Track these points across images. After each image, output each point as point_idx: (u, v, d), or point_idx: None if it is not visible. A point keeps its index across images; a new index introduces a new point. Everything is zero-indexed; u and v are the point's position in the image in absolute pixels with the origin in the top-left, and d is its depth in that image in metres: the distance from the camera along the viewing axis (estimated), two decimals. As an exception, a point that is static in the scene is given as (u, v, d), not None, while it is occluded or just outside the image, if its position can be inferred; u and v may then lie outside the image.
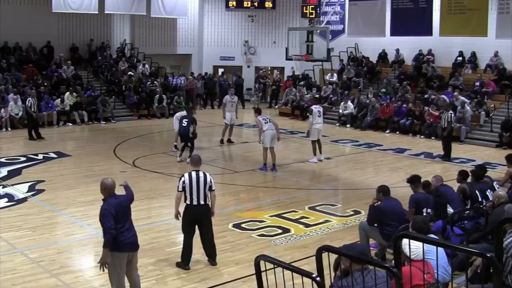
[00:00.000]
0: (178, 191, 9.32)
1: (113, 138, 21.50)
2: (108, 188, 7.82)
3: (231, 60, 34.10)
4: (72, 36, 29.81)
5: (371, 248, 9.88)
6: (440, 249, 6.37)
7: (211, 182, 9.35)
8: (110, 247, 7.50)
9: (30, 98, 21.12)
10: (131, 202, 8.13)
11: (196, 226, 9.46)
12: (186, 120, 17.48)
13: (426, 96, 24.90)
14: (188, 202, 9.29)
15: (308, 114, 18.68)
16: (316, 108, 18.37)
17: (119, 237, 7.59)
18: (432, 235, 7.18)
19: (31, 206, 12.83)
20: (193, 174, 9.31)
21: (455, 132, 21.59)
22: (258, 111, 17.65)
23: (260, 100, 32.40)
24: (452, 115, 18.99)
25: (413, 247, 6.01)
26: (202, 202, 9.27)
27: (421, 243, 5.96)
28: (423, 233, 7.05)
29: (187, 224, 9.40)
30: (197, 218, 9.37)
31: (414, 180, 9.87)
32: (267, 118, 17.00)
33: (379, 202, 9.56)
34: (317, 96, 27.73)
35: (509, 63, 25.12)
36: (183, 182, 9.25)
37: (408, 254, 6.05)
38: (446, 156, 18.65)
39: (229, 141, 20.76)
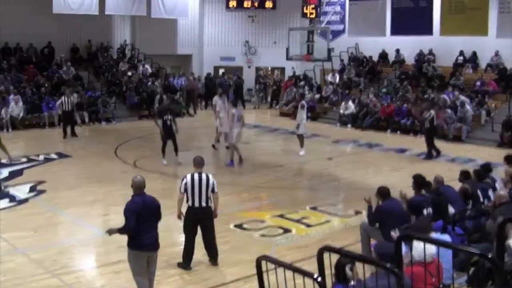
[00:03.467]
0: (180, 192, 9.25)
1: (114, 139, 21.50)
2: (135, 185, 7.88)
3: (231, 60, 34.08)
4: (73, 37, 29.83)
5: (372, 248, 9.88)
6: (448, 252, 6.36)
7: (213, 184, 9.27)
8: (122, 233, 7.80)
9: (64, 97, 21.91)
10: (158, 209, 8.13)
11: (198, 227, 9.46)
12: (168, 116, 16.88)
13: (426, 96, 24.87)
14: (190, 204, 9.23)
15: (301, 109, 19.03)
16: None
17: (137, 237, 7.71)
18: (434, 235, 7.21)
19: (32, 207, 12.85)
20: (196, 175, 9.24)
21: (456, 132, 21.64)
22: (234, 104, 18.42)
23: (260, 100, 32.40)
24: (433, 115, 19.10)
25: (419, 250, 6.00)
26: (204, 205, 9.22)
27: (428, 246, 5.98)
28: (424, 233, 7.08)
29: (189, 225, 9.39)
30: (199, 220, 9.34)
31: (416, 181, 9.87)
32: (240, 116, 17.29)
33: (379, 203, 9.55)
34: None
35: (510, 62, 25.12)
36: (185, 183, 9.18)
37: (417, 258, 6.03)
38: (429, 155, 18.91)
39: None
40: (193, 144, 20.14)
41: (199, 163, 9.51)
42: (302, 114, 18.81)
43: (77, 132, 22.09)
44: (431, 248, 6.12)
